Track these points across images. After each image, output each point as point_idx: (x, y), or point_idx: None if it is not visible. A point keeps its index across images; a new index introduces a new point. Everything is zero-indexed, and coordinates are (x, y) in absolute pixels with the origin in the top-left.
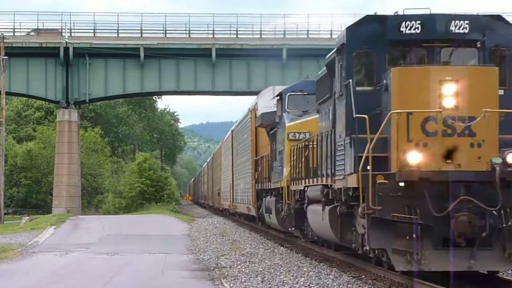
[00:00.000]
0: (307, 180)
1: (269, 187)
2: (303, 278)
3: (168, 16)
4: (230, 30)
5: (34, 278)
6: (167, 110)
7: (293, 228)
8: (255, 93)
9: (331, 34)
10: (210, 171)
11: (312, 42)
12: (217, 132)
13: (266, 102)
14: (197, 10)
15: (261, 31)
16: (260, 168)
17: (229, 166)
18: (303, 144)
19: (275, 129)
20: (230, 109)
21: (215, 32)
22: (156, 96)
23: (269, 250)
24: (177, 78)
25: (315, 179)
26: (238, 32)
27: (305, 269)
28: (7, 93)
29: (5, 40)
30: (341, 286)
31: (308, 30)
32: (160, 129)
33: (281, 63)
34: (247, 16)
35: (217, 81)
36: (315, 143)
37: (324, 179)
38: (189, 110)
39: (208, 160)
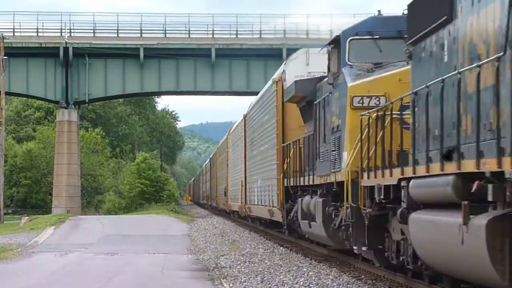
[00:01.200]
0: (405, 170)
1: (310, 183)
2: (302, 278)
3: (168, 16)
4: (229, 30)
5: (34, 278)
6: (166, 109)
7: (363, 248)
8: (255, 93)
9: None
10: (213, 168)
11: (312, 42)
12: (216, 132)
13: (298, 69)
14: (197, 10)
15: (260, 31)
16: (290, 158)
17: (239, 160)
18: (388, 109)
19: (320, 100)
20: (230, 109)
21: (214, 32)
22: (155, 96)
23: (268, 250)
24: (176, 78)
25: (432, 166)
26: (238, 32)
27: (304, 269)
28: (7, 93)
29: (4, 40)
30: (341, 286)
31: (307, 30)
32: (160, 130)
33: (281, 63)
34: (247, 16)
35: (216, 81)
36: (397, 110)
37: (471, 163)
38: (189, 110)
39: (210, 156)
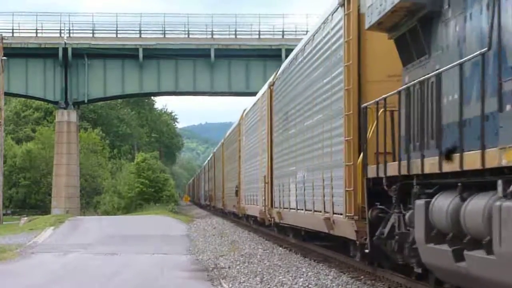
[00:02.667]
0: None
1: (466, 168)
2: (302, 279)
3: (167, 16)
4: (228, 31)
5: (33, 278)
6: (165, 110)
7: None
8: (254, 93)
9: None
10: (219, 163)
11: None
12: (215, 133)
13: None
14: (195, 10)
15: (259, 31)
16: (385, 127)
17: (260, 148)
18: None
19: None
20: (229, 109)
21: (213, 32)
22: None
23: (268, 251)
24: (175, 78)
25: None
26: (237, 32)
27: (304, 270)
28: (6, 94)
29: (4, 41)
30: (340, 286)
31: (307, 30)
32: (159, 129)
33: (280, 63)
34: (246, 16)
35: (215, 81)
36: None
37: None
38: (188, 111)
39: (214, 150)
